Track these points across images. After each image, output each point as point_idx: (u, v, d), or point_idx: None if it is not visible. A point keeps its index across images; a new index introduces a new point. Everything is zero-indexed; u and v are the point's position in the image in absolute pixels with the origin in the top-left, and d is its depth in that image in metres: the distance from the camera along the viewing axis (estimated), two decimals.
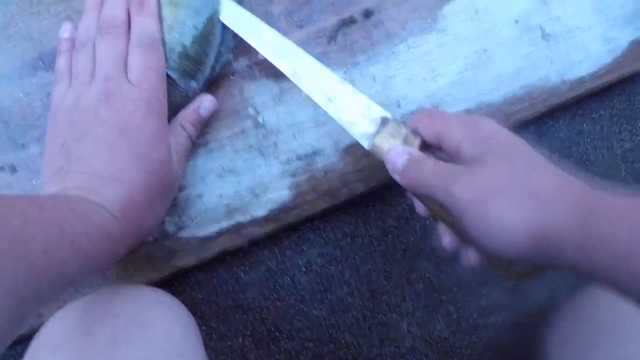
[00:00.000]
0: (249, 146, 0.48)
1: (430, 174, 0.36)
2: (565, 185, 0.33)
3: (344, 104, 0.43)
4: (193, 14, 0.45)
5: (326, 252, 0.52)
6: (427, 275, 0.53)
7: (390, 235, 0.53)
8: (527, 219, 0.31)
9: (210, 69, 0.47)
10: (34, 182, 0.49)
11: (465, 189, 0.33)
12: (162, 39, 0.44)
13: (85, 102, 0.40)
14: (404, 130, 0.40)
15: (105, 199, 0.36)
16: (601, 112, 0.56)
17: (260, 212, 0.48)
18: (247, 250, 0.51)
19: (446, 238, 0.40)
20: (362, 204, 0.52)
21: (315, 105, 0.47)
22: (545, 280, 0.55)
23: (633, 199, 0.30)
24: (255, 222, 0.49)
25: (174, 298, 0.45)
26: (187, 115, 0.46)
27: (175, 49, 0.45)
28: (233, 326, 0.52)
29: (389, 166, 0.39)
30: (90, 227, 0.33)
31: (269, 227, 0.49)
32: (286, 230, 0.50)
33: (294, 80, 0.44)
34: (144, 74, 0.41)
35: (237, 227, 0.48)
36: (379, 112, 0.42)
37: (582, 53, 0.52)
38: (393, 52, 0.49)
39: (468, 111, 0.50)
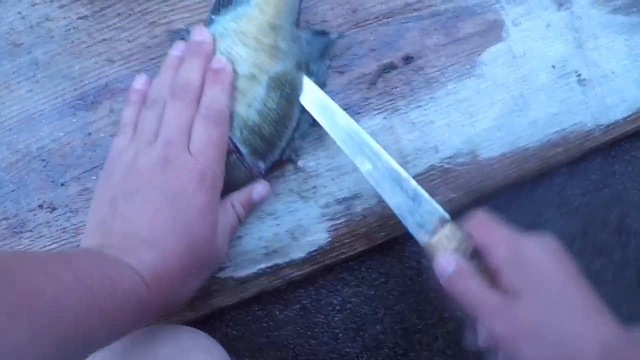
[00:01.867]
0: (288, 190, 0.49)
1: (473, 295, 0.38)
2: (593, 330, 0.35)
3: (407, 199, 0.43)
4: (274, 94, 0.45)
5: (360, 291, 0.53)
6: (458, 314, 0.54)
7: (424, 275, 0.53)
8: None
9: (280, 152, 0.46)
10: (73, 220, 0.49)
11: (501, 327, 0.36)
12: (238, 112, 0.44)
13: (143, 162, 0.40)
14: (459, 234, 0.41)
15: (140, 263, 0.36)
16: (633, 153, 0.56)
17: (298, 254, 0.49)
18: (282, 289, 0.52)
19: (482, 337, 0.41)
20: (398, 244, 0.53)
21: None
22: None
23: None
24: (293, 264, 0.49)
25: (211, 339, 0.45)
26: (241, 195, 0.45)
27: (250, 126, 0.44)
28: None
29: (436, 270, 0.41)
30: (120, 294, 0.34)
31: (306, 269, 0.49)
32: (322, 270, 0.51)
33: (367, 178, 0.44)
34: (205, 147, 0.41)
35: (275, 269, 0.49)
36: (439, 212, 0.42)
37: (617, 97, 0.53)
38: (432, 98, 0.50)
39: (503, 155, 0.50)
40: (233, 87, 0.44)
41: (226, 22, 0.46)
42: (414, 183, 0.43)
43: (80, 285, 0.31)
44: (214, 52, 0.45)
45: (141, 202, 0.39)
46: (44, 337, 0.28)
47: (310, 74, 0.46)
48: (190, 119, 0.42)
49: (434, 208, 0.43)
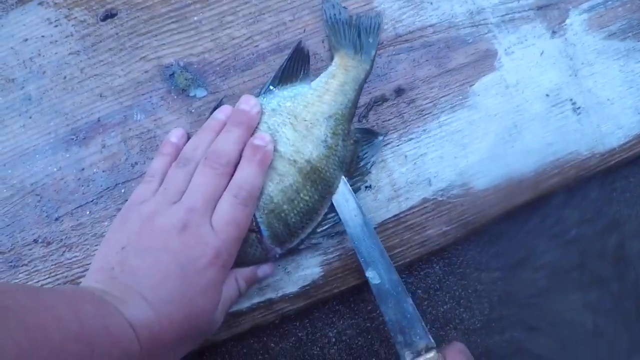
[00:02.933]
0: None
1: None
2: None
3: (403, 320, 0.45)
4: (310, 186, 0.44)
5: (356, 323, 0.53)
6: None
7: (420, 307, 0.53)
8: None
9: (298, 242, 0.46)
10: (67, 255, 0.49)
11: None
12: (270, 194, 0.44)
13: (162, 221, 0.40)
14: None
15: (138, 321, 0.36)
16: (631, 179, 0.56)
17: (291, 289, 0.49)
18: (278, 322, 0.52)
19: None
20: None
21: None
22: None
23: None
24: (286, 298, 0.49)
25: None
26: (245, 272, 0.45)
27: (278, 213, 0.44)
28: None
29: None
30: (116, 352, 0.34)
31: (300, 303, 0.49)
32: (316, 303, 0.51)
33: (373, 288, 0.46)
34: (228, 225, 0.40)
35: (269, 303, 0.49)
36: (428, 338, 0.44)
37: (613, 124, 0.52)
38: (425, 130, 0.49)
39: (497, 186, 0.50)
40: (270, 167, 0.43)
41: (283, 98, 0.45)
42: (412, 305, 0.45)
43: (83, 337, 0.32)
44: (260, 124, 0.44)
45: (151, 262, 0.38)
46: None
47: (349, 175, 0.46)
48: (218, 190, 0.41)
49: (424, 333, 0.44)
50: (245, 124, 0.44)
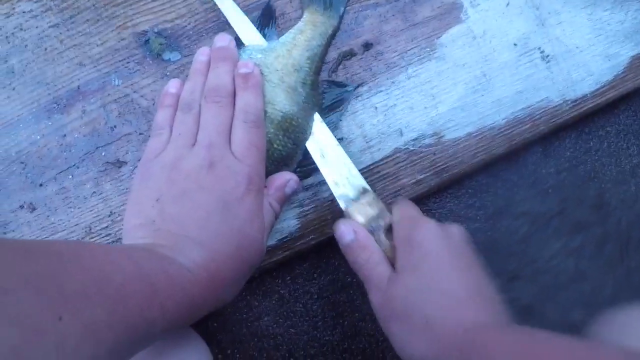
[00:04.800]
0: None
1: (364, 267, 0.41)
2: (459, 316, 0.36)
3: (334, 164, 0.45)
4: (282, 135, 0.45)
5: (337, 279, 0.53)
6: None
7: None
8: (414, 348, 0.37)
9: None
10: (52, 219, 0.51)
11: (378, 303, 0.40)
12: None
13: (187, 164, 0.40)
14: (380, 205, 0.43)
15: (194, 265, 0.35)
16: (608, 128, 0.56)
17: (269, 242, 0.50)
18: (259, 280, 0.52)
19: None
20: None
21: None
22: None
23: (511, 335, 0.33)
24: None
25: (190, 329, 0.46)
26: (274, 193, 0.43)
27: None
28: (248, 353, 0.53)
29: (335, 234, 0.43)
30: (179, 291, 0.33)
31: (278, 256, 0.50)
32: (297, 258, 0.51)
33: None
34: (248, 149, 0.41)
35: None
36: (362, 182, 0.45)
37: (583, 71, 0.52)
38: (393, 82, 0.50)
39: (469, 135, 0.51)
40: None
41: (254, 51, 0.47)
42: (343, 151, 0.45)
43: (143, 278, 0.31)
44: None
45: (191, 205, 0.38)
46: (115, 320, 0.28)
47: (321, 122, 0.47)
48: (228, 122, 0.42)
49: (359, 177, 0.44)
50: (229, 57, 0.45)
